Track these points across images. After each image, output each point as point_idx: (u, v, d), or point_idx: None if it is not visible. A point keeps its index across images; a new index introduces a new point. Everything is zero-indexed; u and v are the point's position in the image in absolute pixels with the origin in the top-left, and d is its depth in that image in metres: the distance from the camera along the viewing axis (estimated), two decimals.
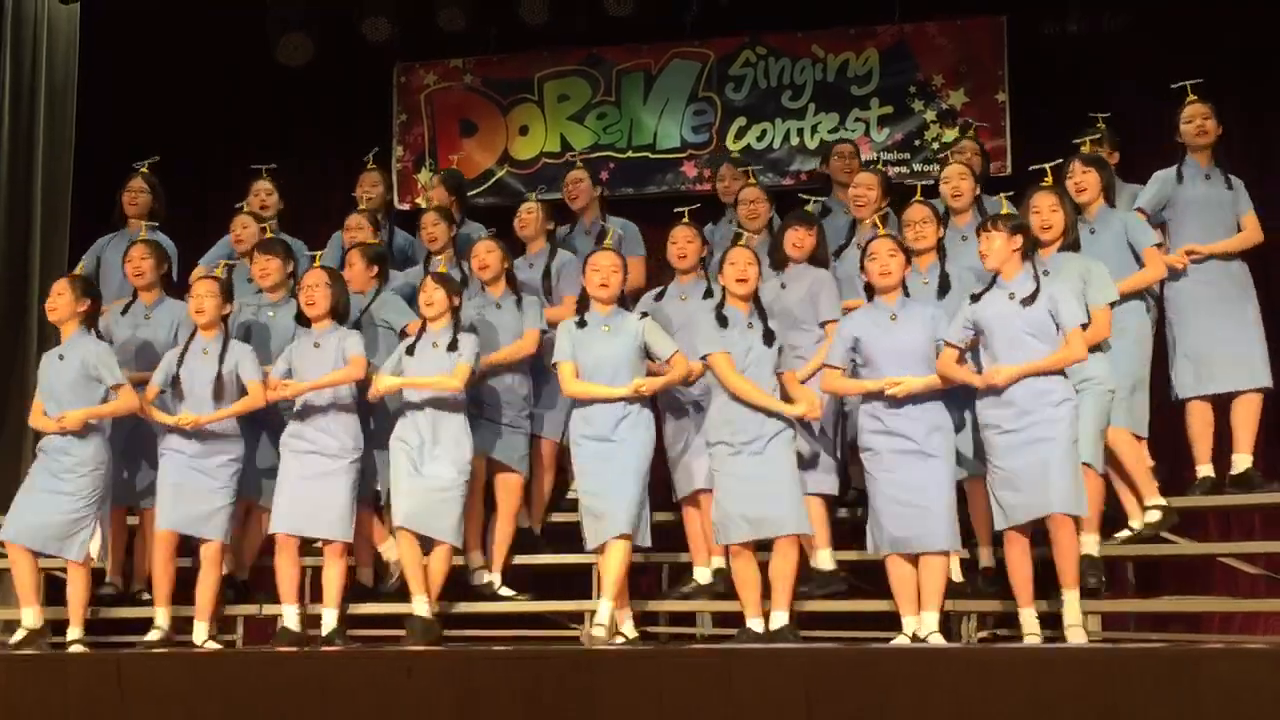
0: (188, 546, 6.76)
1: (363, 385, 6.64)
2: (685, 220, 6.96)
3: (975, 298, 5.96)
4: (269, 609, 6.75)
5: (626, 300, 6.71)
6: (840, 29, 8.99)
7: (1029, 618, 5.85)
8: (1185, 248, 6.55)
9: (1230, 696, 4.74)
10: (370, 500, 6.86)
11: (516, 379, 6.95)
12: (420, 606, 6.38)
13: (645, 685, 5.24)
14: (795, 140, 8.99)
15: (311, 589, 6.90)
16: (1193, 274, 6.56)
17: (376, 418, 6.83)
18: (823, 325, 6.62)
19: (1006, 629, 6.28)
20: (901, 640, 5.86)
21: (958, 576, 6.33)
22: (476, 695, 5.36)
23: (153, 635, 6.55)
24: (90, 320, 6.75)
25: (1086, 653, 5.47)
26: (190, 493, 6.57)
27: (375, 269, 7.12)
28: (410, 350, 6.56)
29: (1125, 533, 6.36)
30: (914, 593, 5.92)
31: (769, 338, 6.15)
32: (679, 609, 6.87)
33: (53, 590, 7.03)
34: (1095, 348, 6.04)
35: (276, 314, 7.13)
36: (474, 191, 8.89)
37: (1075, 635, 5.74)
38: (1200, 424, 6.62)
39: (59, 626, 6.71)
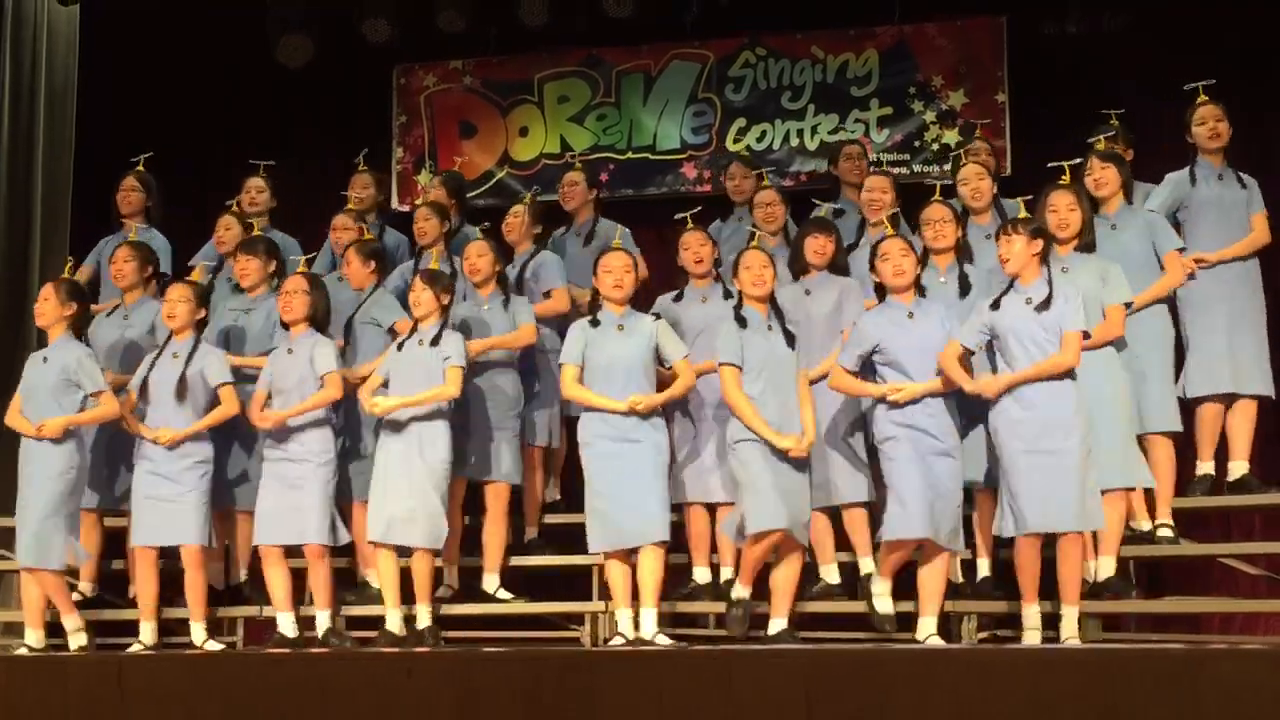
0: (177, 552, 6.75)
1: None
2: (691, 225, 6.95)
3: (995, 304, 5.93)
4: (269, 611, 6.74)
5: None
6: (840, 30, 8.99)
7: (1032, 614, 5.85)
8: (1194, 255, 6.54)
9: (1230, 697, 4.74)
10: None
11: (505, 379, 6.92)
12: (392, 620, 6.43)
13: (645, 685, 5.25)
14: (795, 141, 8.98)
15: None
16: (1205, 274, 6.55)
17: (351, 423, 6.87)
18: None
19: (1007, 629, 6.28)
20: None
21: (957, 577, 6.34)
22: (476, 695, 5.36)
23: (135, 649, 6.55)
24: (77, 324, 6.73)
25: (1087, 653, 5.47)
26: (160, 503, 6.56)
27: (372, 265, 7.11)
28: (400, 347, 6.56)
29: (1125, 531, 6.36)
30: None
31: (790, 339, 6.16)
32: (679, 610, 6.87)
33: None
34: (1109, 345, 6.06)
35: (252, 313, 7.13)
36: (474, 193, 8.89)
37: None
38: (1210, 423, 6.61)
39: (52, 628, 6.71)
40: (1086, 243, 6.24)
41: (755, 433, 6.00)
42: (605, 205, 8.17)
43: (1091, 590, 6.04)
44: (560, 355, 6.44)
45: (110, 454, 6.98)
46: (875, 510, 6.37)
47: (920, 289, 6.21)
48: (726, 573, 6.63)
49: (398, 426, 6.48)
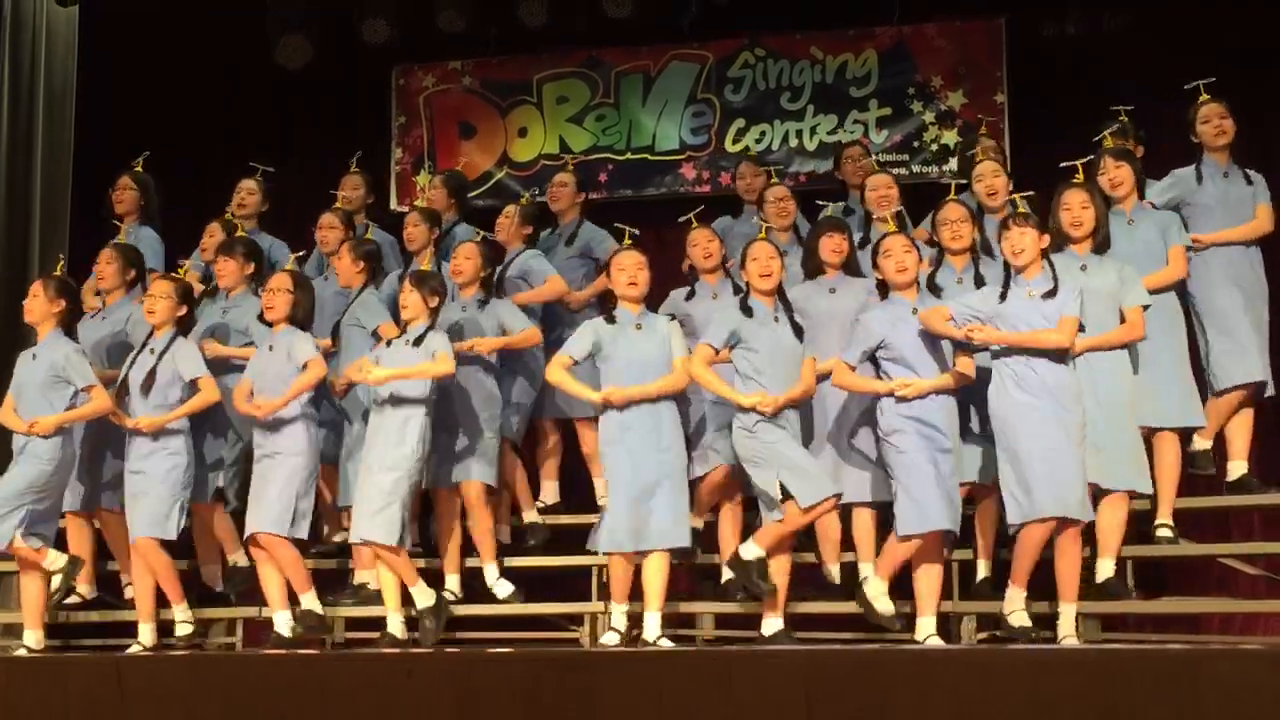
0: (176, 551, 6.76)
1: (322, 390, 6.74)
2: (696, 224, 6.96)
3: (1002, 296, 5.94)
4: (268, 611, 6.73)
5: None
6: (839, 30, 8.99)
7: (1017, 596, 5.86)
8: (1192, 236, 6.54)
9: (1230, 697, 4.74)
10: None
11: (485, 375, 6.90)
12: (393, 622, 6.44)
13: (645, 685, 5.25)
14: (794, 142, 8.99)
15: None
16: (1218, 270, 6.55)
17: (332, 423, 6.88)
18: None
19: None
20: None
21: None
22: (476, 695, 5.36)
23: (134, 649, 6.55)
24: (66, 321, 6.73)
25: (1086, 653, 5.47)
26: (133, 498, 6.57)
27: (362, 265, 7.11)
28: (389, 344, 6.58)
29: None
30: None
31: (799, 331, 6.17)
32: (680, 610, 6.87)
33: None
34: (1126, 348, 6.08)
35: (230, 313, 7.14)
36: (473, 194, 8.89)
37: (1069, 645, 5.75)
38: (1224, 412, 6.60)
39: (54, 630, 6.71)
40: (1101, 240, 6.23)
41: (721, 396, 6.14)
42: (605, 206, 8.18)
43: (1091, 591, 6.04)
44: (565, 345, 6.44)
45: (94, 454, 6.94)
46: (883, 512, 6.36)
47: (935, 289, 6.22)
48: (728, 573, 6.63)
49: (378, 426, 6.48)
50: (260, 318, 6.81)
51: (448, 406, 6.74)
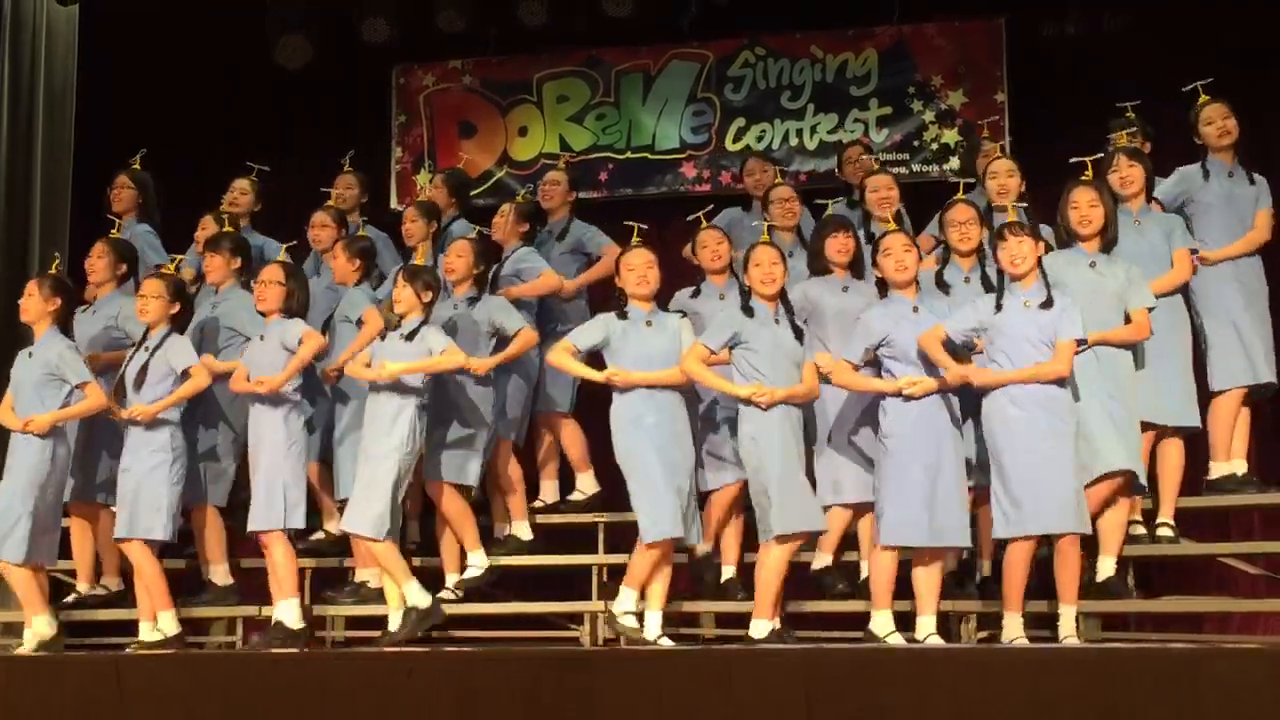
0: (174, 550, 6.76)
1: (315, 385, 6.77)
2: (706, 224, 6.96)
3: (998, 306, 5.92)
4: (268, 610, 6.73)
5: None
6: (839, 30, 8.99)
7: (1014, 623, 5.85)
8: (1196, 255, 6.54)
9: (1230, 696, 4.74)
10: None
11: (473, 381, 6.86)
12: (395, 620, 6.40)
13: (645, 685, 5.24)
14: (794, 141, 8.99)
15: (311, 587, 6.91)
16: (1222, 269, 6.56)
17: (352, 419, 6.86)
18: None
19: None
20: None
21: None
22: (476, 695, 5.36)
23: (134, 649, 6.53)
24: (62, 320, 6.72)
25: (1086, 653, 5.47)
26: (123, 496, 6.54)
27: (357, 263, 7.10)
28: (382, 338, 6.57)
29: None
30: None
31: (799, 334, 6.18)
32: (682, 610, 6.87)
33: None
34: (1129, 348, 6.09)
35: (219, 306, 7.13)
36: (474, 193, 8.88)
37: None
38: (1228, 417, 6.61)
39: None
40: (1109, 239, 6.22)
41: (716, 389, 6.20)
42: (606, 205, 8.18)
43: (1091, 590, 6.03)
44: (572, 333, 6.44)
45: (88, 450, 6.93)
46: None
47: (944, 286, 6.22)
48: (728, 571, 6.65)
49: (373, 414, 6.46)
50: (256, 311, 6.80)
51: (444, 401, 6.73)
